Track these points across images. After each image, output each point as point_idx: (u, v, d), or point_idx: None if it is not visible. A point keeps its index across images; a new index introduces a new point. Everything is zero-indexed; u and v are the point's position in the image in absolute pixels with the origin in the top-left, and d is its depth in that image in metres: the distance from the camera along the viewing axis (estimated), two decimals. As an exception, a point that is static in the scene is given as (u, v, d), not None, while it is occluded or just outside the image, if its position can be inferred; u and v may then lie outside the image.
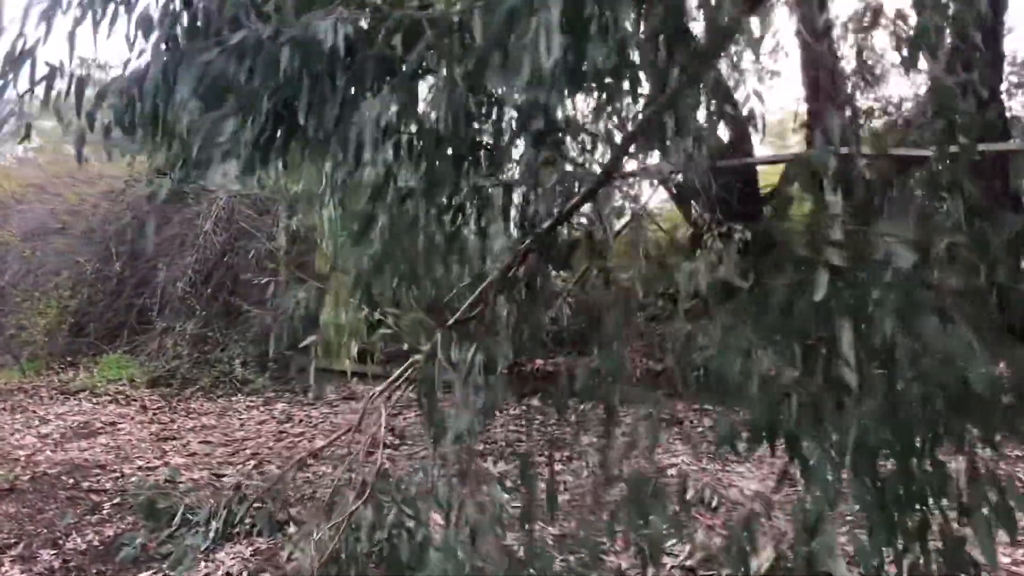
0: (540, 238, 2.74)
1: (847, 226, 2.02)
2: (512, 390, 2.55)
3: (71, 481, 4.80)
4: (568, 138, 2.66)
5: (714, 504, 3.84)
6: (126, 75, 2.54)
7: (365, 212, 2.64)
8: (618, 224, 4.89)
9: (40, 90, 2.41)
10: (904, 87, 8.93)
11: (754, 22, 2.32)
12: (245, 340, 7.70)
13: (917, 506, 1.99)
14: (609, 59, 1.98)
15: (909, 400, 1.81)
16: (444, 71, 2.19)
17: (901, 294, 1.75)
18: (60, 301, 8.54)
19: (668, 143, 2.52)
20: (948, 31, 2.50)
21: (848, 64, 6.95)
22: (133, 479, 4.81)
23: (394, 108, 2.25)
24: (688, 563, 3.23)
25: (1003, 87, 7.64)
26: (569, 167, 2.69)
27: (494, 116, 2.51)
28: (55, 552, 3.78)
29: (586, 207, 2.90)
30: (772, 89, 10.82)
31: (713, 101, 2.38)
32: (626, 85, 2.34)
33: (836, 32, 6.74)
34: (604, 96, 2.46)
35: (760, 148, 8.29)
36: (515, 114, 2.54)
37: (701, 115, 2.54)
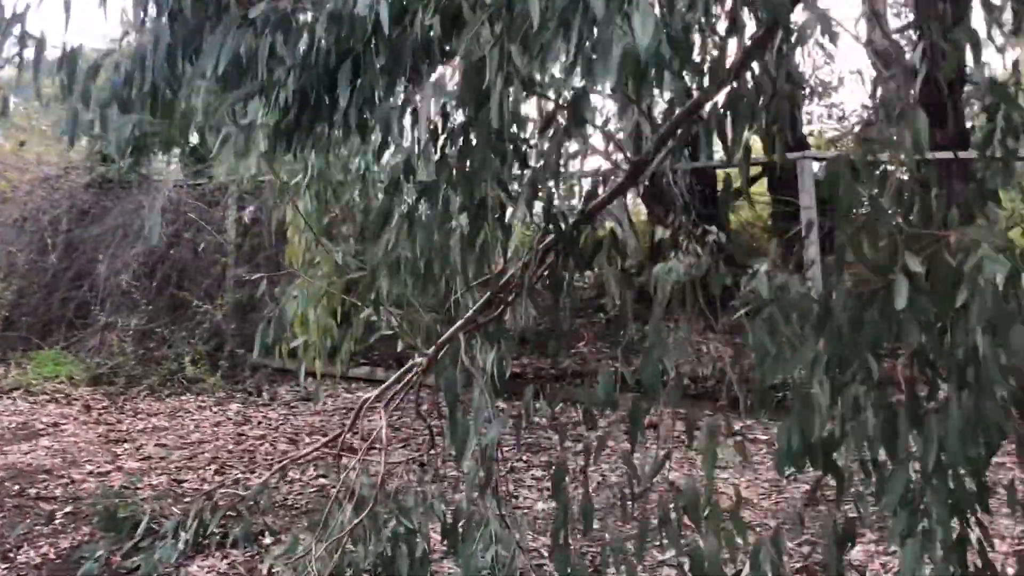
0: (563, 236, 2.61)
1: (917, 229, 1.94)
2: (547, 399, 2.40)
3: (16, 488, 4.46)
4: (597, 132, 2.53)
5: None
6: (123, 47, 2.31)
7: (383, 206, 2.47)
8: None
9: (28, 63, 2.16)
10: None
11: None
12: (194, 337, 7.34)
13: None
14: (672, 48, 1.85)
15: (992, 413, 1.73)
16: (487, 56, 2.03)
17: (992, 303, 1.67)
18: (-12, 293, 8.02)
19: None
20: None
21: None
22: (85, 485, 4.49)
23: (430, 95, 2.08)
24: None
25: None
26: (596, 163, 2.56)
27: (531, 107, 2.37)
28: (7, 566, 3.48)
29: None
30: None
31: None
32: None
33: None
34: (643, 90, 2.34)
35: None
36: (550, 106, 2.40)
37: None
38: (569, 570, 2.19)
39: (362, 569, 2.84)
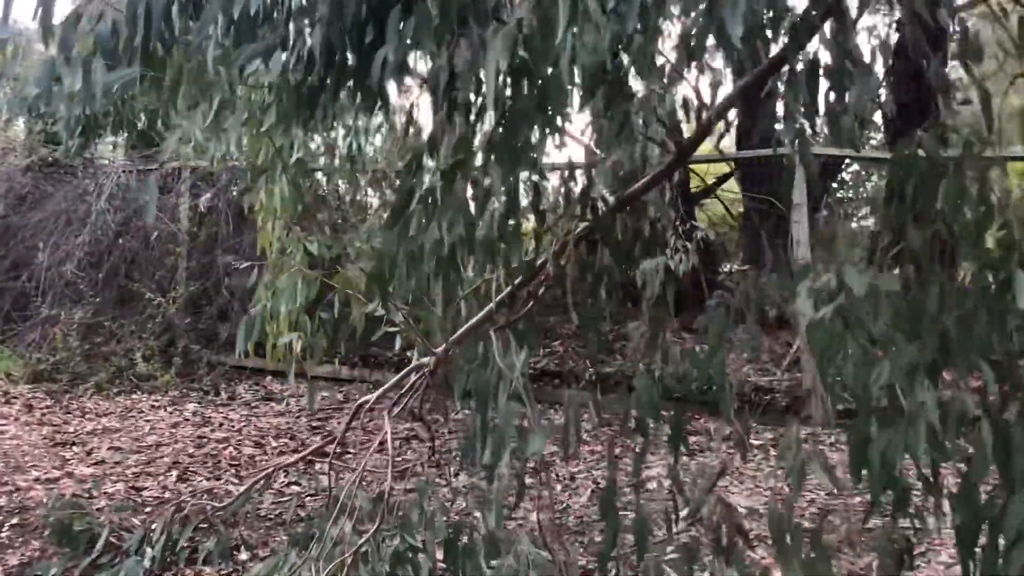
0: (600, 224, 2.36)
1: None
2: (596, 407, 2.14)
3: (-48, 496, 4.03)
4: (641, 110, 2.28)
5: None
6: (107, -6, 1.98)
7: (404, 185, 2.18)
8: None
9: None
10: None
11: None
12: (145, 332, 6.89)
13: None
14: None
15: None
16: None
17: None
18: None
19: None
20: None
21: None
22: (33, 494, 4.08)
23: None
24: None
25: None
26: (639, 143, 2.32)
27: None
28: (-52, 588, 3.10)
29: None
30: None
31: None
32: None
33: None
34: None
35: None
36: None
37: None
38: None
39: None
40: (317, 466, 4.62)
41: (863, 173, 8.32)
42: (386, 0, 1.64)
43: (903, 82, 6.66)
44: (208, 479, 4.39)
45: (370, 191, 5.17)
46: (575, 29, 1.51)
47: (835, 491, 3.53)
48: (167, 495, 4.16)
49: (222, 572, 3.24)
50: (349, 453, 4.90)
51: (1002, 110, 2.06)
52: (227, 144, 3.43)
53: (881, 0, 3.31)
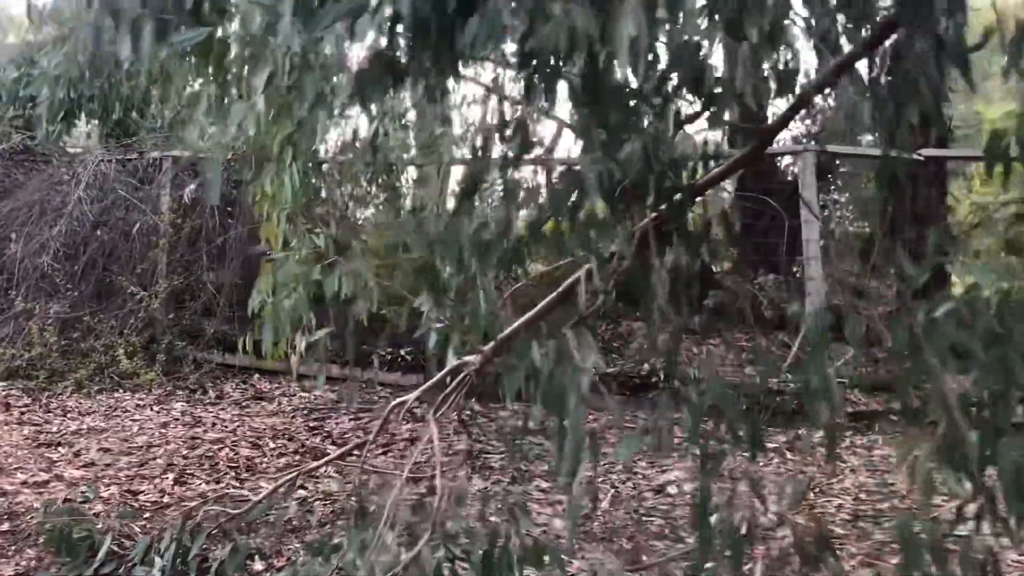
0: (673, 212, 2.21)
1: None
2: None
3: (-66, 501, 3.77)
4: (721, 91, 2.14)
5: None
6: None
7: (473, 170, 2.02)
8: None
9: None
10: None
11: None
12: (126, 327, 6.61)
13: None
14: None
15: None
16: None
17: None
18: None
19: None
20: None
21: None
22: (21, 498, 3.83)
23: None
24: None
25: None
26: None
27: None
28: (-61, 602, 2.86)
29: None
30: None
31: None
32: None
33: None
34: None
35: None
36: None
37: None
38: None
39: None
40: (323, 469, 4.43)
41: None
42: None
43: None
44: (207, 482, 4.16)
45: (383, 182, 4.96)
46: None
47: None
48: (165, 499, 3.93)
49: (237, 582, 3.05)
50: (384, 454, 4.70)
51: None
52: (248, 127, 3.22)
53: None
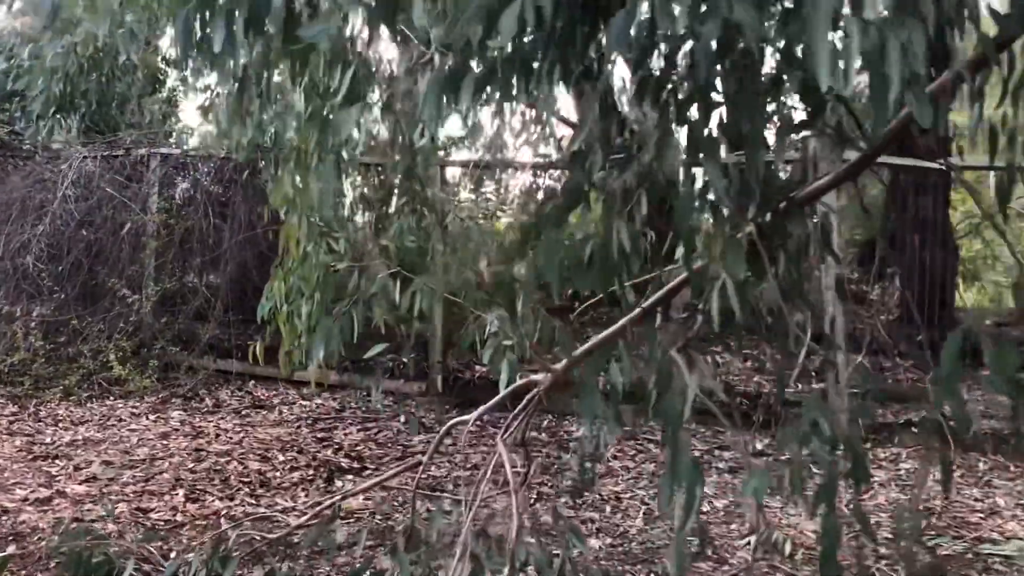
0: (773, 225, 2.09)
1: None
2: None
3: (-71, 521, 3.52)
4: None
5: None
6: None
7: (575, 181, 1.88)
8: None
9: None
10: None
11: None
12: (116, 331, 6.34)
13: None
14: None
15: None
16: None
17: None
18: None
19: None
20: None
21: None
22: (24, 517, 3.60)
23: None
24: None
25: None
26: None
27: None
28: (-48, 636, 2.64)
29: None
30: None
31: None
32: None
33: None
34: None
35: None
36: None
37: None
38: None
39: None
40: (342, 484, 4.25)
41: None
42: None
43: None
44: (220, 499, 3.96)
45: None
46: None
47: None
48: (178, 517, 3.72)
49: (272, 610, 2.86)
50: (367, 466, 4.52)
51: None
52: (282, 128, 3.05)
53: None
